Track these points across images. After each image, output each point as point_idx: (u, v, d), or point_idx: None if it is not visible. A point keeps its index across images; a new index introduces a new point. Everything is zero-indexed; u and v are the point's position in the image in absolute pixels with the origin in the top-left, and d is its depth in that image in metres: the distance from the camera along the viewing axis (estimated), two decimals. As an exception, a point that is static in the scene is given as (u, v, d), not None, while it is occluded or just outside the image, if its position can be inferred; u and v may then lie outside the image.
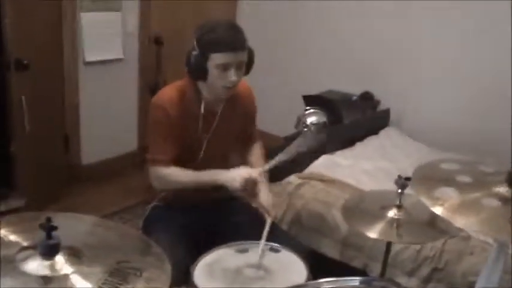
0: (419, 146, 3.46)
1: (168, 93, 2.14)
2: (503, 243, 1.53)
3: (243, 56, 2.07)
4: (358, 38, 3.98)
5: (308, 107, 3.61)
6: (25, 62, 2.96)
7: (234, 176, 2.05)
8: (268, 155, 2.96)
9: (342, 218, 2.01)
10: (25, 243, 1.22)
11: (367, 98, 3.77)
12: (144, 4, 3.83)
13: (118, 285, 1.16)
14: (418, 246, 2.47)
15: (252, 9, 4.52)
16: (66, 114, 3.64)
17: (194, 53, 2.04)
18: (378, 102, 3.82)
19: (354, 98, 3.78)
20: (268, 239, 2.05)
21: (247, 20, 4.56)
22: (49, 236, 1.18)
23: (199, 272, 1.87)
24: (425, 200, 1.45)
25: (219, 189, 2.30)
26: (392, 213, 1.89)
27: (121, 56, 3.83)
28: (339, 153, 3.23)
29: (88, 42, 3.61)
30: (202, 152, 2.16)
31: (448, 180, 1.52)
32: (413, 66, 3.76)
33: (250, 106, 2.37)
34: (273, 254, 2.01)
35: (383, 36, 3.85)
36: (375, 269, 2.55)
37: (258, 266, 1.92)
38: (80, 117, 3.70)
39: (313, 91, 3.82)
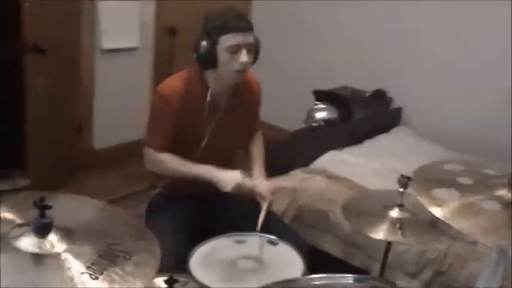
0: (431, 146, 3.42)
1: (173, 83, 2.14)
2: (504, 248, 1.51)
3: (252, 38, 2.06)
4: (373, 35, 3.96)
5: (318, 102, 3.63)
6: (42, 47, 2.98)
7: (228, 180, 2.06)
8: (274, 148, 3.00)
9: (343, 216, 2.00)
10: (19, 221, 1.24)
11: (379, 96, 3.74)
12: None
13: (106, 267, 1.16)
14: (421, 248, 2.45)
15: (266, 6, 4.52)
16: (81, 100, 3.67)
17: (203, 41, 2.04)
18: (390, 100, 3.78)
19: (366, 94, 3.74)
20: (268, 231, 2.05)
21: (261, 16, 4.57)
22: (42, 215, 1.19)
23: (196, 260, 1.88)
24: (423, 200, 1.44)
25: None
26: (395, 213, 1.87)
27: (137, 45, 3.84)
28: (347, 149, 3.21)
29: (105, 30, 3.63)
30: (204, 143, 2.16)
31: (448, 181, 1.50)
32: (428, 66, 3.72)
33: (257, 98, 2.36)
34: (270, 247, 2.00)
35: (398, 34, 3.83)
36: (376, 268, 2.52)
37: (254, 258, 1.91)
38: (94, 103, 3.73)
39: (327, 87, 3.81)
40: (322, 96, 3.66)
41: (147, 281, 1.18)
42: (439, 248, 2.42)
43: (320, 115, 3.57)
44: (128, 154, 3.81)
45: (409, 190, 1.83)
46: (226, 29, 2.00)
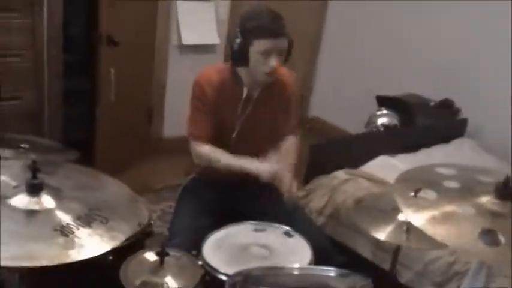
0: (493, 161, 3.27)
1: (208, 73, 2.25)
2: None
3: (284, 43, 2.12)
4: (447, 43, 3.86)
5: (381, 108, 3.61)
6: (115, 39, 3.25)
7: (266, 171, 2.10)
8: (331, 147, 3.04)
9: (352, 211, 2.02)
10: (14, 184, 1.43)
11: (446, 105, 3.63)
12: (237, -6, 4.03)
13: (79, 227, 1.32)
14: (451, 259, 2.40)
15: (341, 9, 4.56)
16: (153, 90, 3.93)
17: (237, 40, 2.12)
18: (457, 111, 3.65)
19: (432, 103, 3.65)
20: (288, 223, 2.09)
21: (336, 19, 4.61)
22: (34, 176, 1.37)
23: (210, 242, 1.97)
24: (398, 199, 1.45)
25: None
26: (403, 216, 1.87)
27: (216, 42, 4.04)
28: (399, 156, 3.16)
29: (184, 27, 3.87)
30: (234, 135, 2.24)
31: (433, 183, 1.50)
32: (500, 78, 3.56)
33: (287, 93, 2.37)
34: (285, 238, 2.05)
35: (474, 43, 3.71)
36: (405, 275, 2.51)
37: (266, 247, 1.96)
38: (165, 94, 3.98)
39: (395, 93, 3.77)
40: (385, 102, 3.64)
41: (112, 243, 1.31)
42: (470, 262, 2.35)
43: (381, 121, 3.56)
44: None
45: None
46: (260, 34, 2.06)
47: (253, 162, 2.16)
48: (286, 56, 2.19)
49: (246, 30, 2.12)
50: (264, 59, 2.10)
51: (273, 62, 2.10)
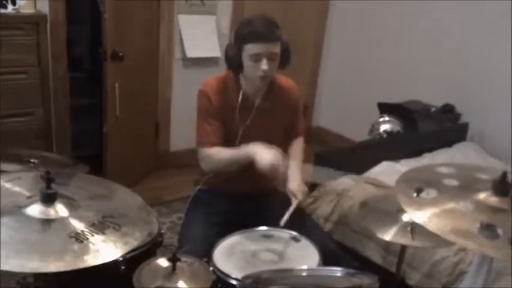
0: (496, 163, 3.30)
1: (211, 82, 2.31)
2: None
3: (275, 48, 2.16)
4: (446, 49, 3.91)
5: (383, 115, 3.66)
6: (120, 53, 3.32)
7: (266, 159, 2.09)
8: (335, 155, 3.09)
9: (357, 214, 2.06)
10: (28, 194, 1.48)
11: (447, 111, 3.68)
12: (237, 5, 4.09)
13: (94, 234, 1.37)
14: (456, 259, 2.43)
15: (342, 19, 4.63)
16: (159, 105, 3.99)
17: (231, 46, 2.21)
18: (458, 116, 3.71)
19: (433, 109, 3.70)
20: (296, 228, 2.14)
21: (336, 29, 4.67)
22: (48, 187, 1.42)
23: (220, 249, 2.02)
24: (400, 199, 1.50)
25: (261, 180, 2.46)
26: (407, 216, 1.91)
27: (219, 55, 4.08)
28: (403, 161, 3.21)
29: (187, 40, 3.95)
30: (237, 142, 2.28)
31: (433, 182, 1.54)
32: (500, 82, 3.60)
33: (292, 100, 2.42)
34: (293, 243, 2.10)
35: (472, 48, 3.75)
36: (414, 277, 2.54)
37: (275, 252, 2.01)
38: (171, 108, 4.04)
39: (396, 99, 3.82)
40: (387, 109, 3.69)
41: (126, 248, 1.36)
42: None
43: (384, 127, 3.61)
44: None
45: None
46: (250, 39, 2.13)
47: (255, 147, 2.15)
48: (283, 61, 2.24)
49: (238, 37, 2.20)
50: (255, 63, 2.16)
51: (264, 65, 2.15)
